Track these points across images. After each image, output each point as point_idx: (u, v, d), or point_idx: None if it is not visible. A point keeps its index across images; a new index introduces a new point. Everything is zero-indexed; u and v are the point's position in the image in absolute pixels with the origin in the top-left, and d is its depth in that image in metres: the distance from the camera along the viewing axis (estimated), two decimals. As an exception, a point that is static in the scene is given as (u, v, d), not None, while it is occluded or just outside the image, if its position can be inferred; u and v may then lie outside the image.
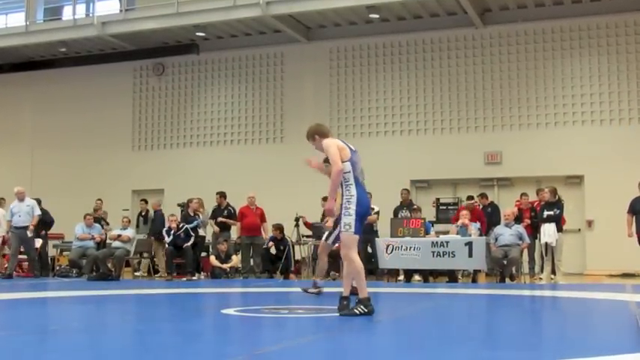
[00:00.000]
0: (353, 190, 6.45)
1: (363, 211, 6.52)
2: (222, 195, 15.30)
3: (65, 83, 20.22)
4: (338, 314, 6.57)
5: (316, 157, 8.04)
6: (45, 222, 15.41)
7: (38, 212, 14.39)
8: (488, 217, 14.02)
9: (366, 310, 6.44)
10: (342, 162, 6.45)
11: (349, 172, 6.51)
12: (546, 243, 12.67)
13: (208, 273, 14.30)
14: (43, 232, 15.31)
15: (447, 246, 12.29)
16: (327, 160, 7.28)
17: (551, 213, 12.68)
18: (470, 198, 14.56)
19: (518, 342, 5.39)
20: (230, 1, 16.68)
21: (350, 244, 6.47)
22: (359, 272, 6.49)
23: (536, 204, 13.86)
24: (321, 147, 6.71)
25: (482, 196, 14.71)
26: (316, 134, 6.81)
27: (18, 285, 12.20)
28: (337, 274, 13.70)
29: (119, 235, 14.40)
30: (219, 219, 14.99)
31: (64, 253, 16.69)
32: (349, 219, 6.40)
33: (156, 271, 15.33)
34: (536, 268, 13.76)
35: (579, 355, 4.47)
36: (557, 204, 12.90)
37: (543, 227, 12.74)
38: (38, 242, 15.03)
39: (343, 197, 6.49)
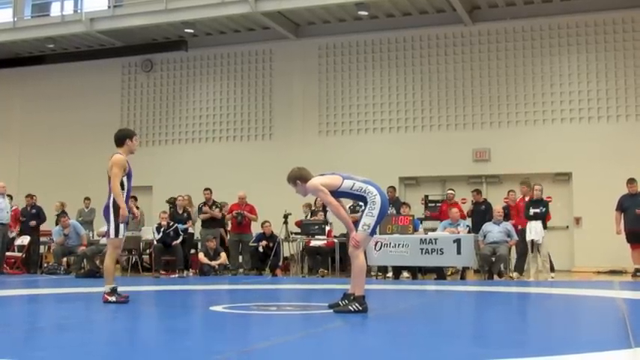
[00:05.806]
0: (377, 198, 6.57)
1: (384, 212, 6.70)
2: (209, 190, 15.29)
3: (53, 80, 20.12)
4: (332, 311, 6.58)
5: None
6: (40, 219, 15.39)
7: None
8: (482, 215, 13.97)
9: (360, 308, 6.46)
10: (337, 190, 6.62)
11: (352, 186, 6.64)
12: (532, 240, 12.66)
13: (197, 270, 14.27)
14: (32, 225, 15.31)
15: (435, 243, 12.33)
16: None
17: (538, 210, 12.69)
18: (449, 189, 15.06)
19: (506, 339, 5.41)
20: (218, -3, 16.64)
21: (362, 243, 6.60)
22: (361, 270, 6.59)
23: (518, 200, 13.85)
24: (302, 191, 6.82)
25: (477, 192, 14.71)
26: (298, 180, 6.79)
27: (4, 282, 12.12)
28: (325, 271, 13.72)
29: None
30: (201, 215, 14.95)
31: (52, 250, 16.63)
32: (370, 220, 6.55)
33: (145, 269, 15.31)
34: (525, 266, 13.77)
35: (567, 352, 4.49)
36: (543, 201, 12.91)
37: (529, 225, 12.72)
38: (26, 239, 14.96)
39: (368, 202, 6.59)
